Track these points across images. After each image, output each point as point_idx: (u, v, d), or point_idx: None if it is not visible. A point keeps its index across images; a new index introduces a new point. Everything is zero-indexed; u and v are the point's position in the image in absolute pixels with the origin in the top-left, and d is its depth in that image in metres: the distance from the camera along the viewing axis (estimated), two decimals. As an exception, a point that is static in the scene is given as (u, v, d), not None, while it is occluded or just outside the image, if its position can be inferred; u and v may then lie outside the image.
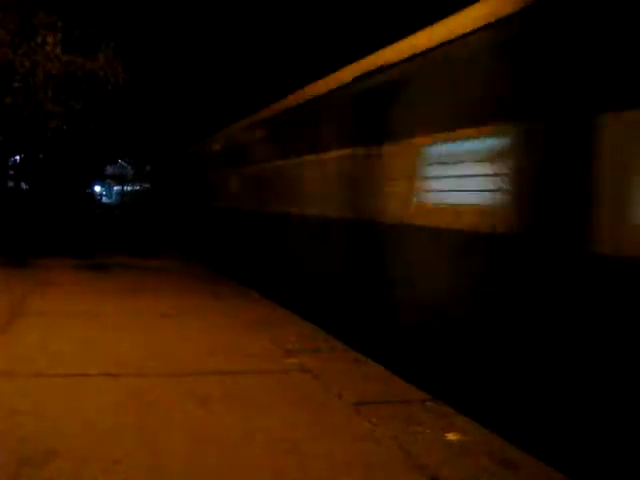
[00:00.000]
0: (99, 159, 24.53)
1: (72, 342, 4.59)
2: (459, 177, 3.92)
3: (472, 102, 3.86)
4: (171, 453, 2.69)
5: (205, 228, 13.09)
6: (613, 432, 2.80)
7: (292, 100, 7.82)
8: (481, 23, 3.80)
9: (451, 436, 3.00)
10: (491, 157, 3.61)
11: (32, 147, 15.72)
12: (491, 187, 3.59)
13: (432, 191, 4.26)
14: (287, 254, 7.48)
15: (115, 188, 55.99)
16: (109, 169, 40.14)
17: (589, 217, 2.92)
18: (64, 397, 3.37)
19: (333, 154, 6.11)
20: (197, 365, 4.14)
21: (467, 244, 3.81)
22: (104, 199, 56.56)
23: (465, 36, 3.96)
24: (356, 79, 5.63)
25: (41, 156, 18.30)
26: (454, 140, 4.00)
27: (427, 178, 4.33)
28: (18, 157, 18.94)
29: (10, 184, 19.58)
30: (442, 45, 4.23)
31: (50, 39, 8.79)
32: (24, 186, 20.74)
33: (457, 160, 3.95)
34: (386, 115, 4.99)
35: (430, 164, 4.31)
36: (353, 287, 5.52)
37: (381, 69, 5.12)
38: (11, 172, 19.39)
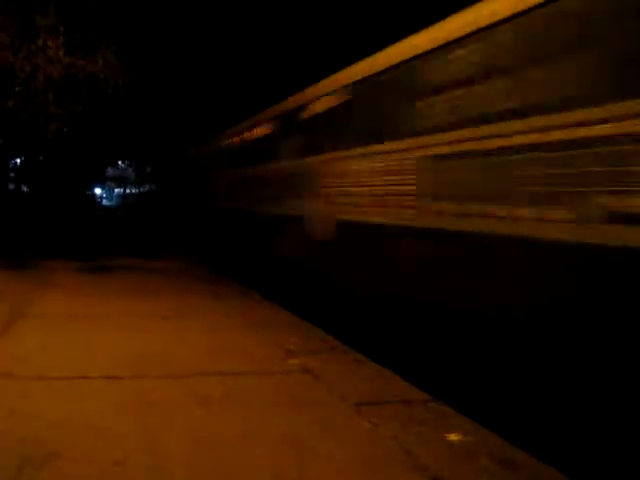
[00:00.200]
0: (99, 161, 24.55)
1: (73, 344, 4.59)
2: None
3: None
4: (172, 454, 2.70)
5: (205, 229, 13.10)
6: None
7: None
8: None
9: (452, 436, 3.00)
10: None
11: (33, 150, 15.73)
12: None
13: None
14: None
15: (116, 190, 56.05)
16: (109, 171, 40.19)
17: None
18: (65, 399, 3.37)
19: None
20: (198, 366, 4.14)
21: None
22: (104, 201, 56.61)
23: None
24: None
25: (41, 158, 18.31)
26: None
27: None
28: (19, 160, 18.96)
29: (11, 186, 19.60)
30: None
31: (50, 42, 8.80)
32: (25, 189, 20.76)
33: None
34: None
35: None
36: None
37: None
38: (12, 174, 19.41)
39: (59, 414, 3.12)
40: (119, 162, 33.46)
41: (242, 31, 14.94)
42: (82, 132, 11.94)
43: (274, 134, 8.56)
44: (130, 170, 39.92)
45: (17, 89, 8.95)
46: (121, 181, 47.63)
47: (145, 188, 31.05)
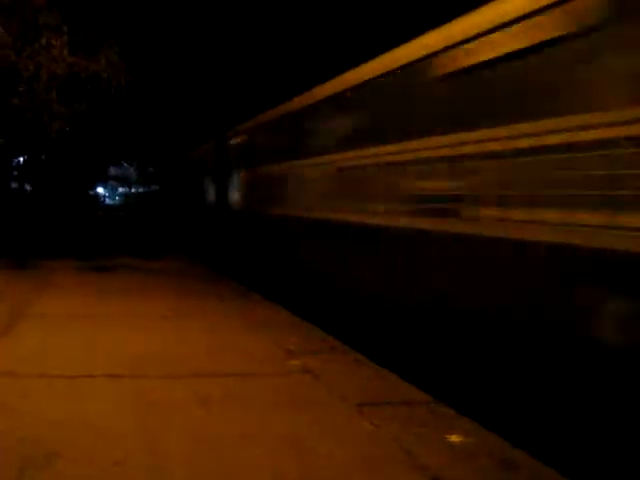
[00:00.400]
0: (102, 161, 24.59)
1: (74, 343, 4.60)
2: None
3: None
4: (172, 454, 2.69)
5: (206, 229, 13.10)
6: None
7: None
8: None
9: (453, 437, 2.99)
10: None
11: (36, 148, 15.76)
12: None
13: None
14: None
15: (120, 190, 56.10)
16: (112, 170, 40.23)
17: None
18: (66, 398, 3.37)
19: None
20: (198, 366, 4.14)
21: None
22: (107, 200, 56.68)
23: None
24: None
25: (44, 157, 18.34)
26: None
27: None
28: (21, 159, 18.99)
29: (14, 185, 19.63)
30: None
31: (54, 41, 8.81)
32: (28, 187, 20.80)
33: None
34: None
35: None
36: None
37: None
38: (15, 173, 19.44)
39: (60, 413, 3.13)
40: (122, 162, 33.49)
41: (245, 31, 14.95)
42: (85, 131, 11.94)
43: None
44: (132, 170, 39.97)
45: (21, 88, 8.96)
46: (123, 181, 47.68)
47: (147, 188, 31.10)
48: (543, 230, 3.32)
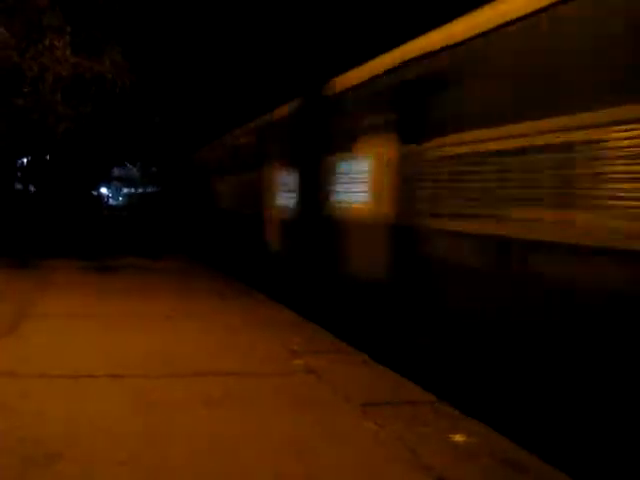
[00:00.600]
0: (106, 161, 24.65)
1: (77, 343, 4.60)
2: None
3: None
4: (176, 454, 2.68)
5: (210, 230, 13.10)
6: None
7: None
8: None
9: (457, 437, 2.98)
10: None
11: (40, 150, 15.79)
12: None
13: None
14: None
15: (125, 190, 56.25)
16: (115, 171, 40.33)
17: None
18: (69, 398, 3.37)
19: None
20: (202, 366, 4.13)
21: None
22: (110, 201, 56.84)
23: None
24: None
25: (48, 158, 18.38)
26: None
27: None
28: (25, 160, 19.05)
29: (18, 186, 19.69)
30: None
31: (57, 42, 8.82)
32: (32, 188, 20.85)
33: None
34: None
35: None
36: None
37: None
38: (19, 174, 19.50)
39: (63, 413, 3.12)
40: (125, 163, 33.56)
41: (248, 32, 14.96)
42: (89, 132, 11.95)
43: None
44: (135, 170, 40.05)
45: (25, 89, 8.97)
46: (127, 181, 47.78)
47: (150, 188, 31.15)
48: None
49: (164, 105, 17.01)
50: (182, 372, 3.96)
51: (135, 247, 13.07)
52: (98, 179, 30.46)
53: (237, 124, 11.20)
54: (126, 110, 13.19)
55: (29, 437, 2.77)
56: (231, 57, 15.27)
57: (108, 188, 56.16)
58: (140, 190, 39.16)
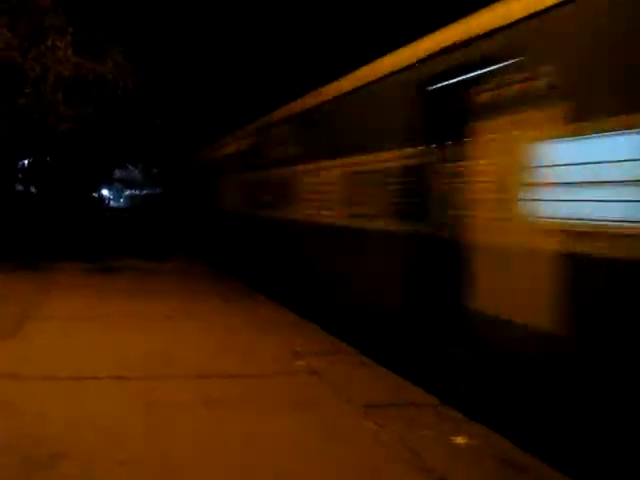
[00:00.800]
0: (107, 163, 24.65)
1: (81, 345, 4.60)
2: None
3: None
4: (178, 455, 2.69)
5: (213, 231, 13.11)
6: None
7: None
8: None
9: (458, 439, 2.98)
10: None
11: (41, 150, 15.80)
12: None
13: None
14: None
15: (126, 192, 56.22)
16: (117, 173, 40.33)
17: None
18: (73, 399, 3.37)
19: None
20: (205, 367, 4.14)
21: None
22: (112, 202, 56.83)
23: None
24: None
25: (49, 159, 18.39)
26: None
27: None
28: (26, 161, 19.06)
29: (19, 188, 19.70)
30: None
31: (59, 42, 8.83)
32: (33, 190, 20.86)
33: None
34: None
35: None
36: None
37: None
38: (20, 176, 19.51)
39: (66, 414, 3.12)
40: (127, 164, 33.56)
41: (250, 34, 14.98)
42: (91, 133, 11.96)
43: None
44: (136, 172, 40.05)
45: (27, 90, 8.99)
46: (128, 183, 47.77)
47: (151, 190, 31.19)
48: None
49: (166, 106, 17.01)
50: (184, 373, 3.96)
51: (137, 248, 13.08)
52: (99, 180, 30.45)
53: (238, 125, 11.22)
54: (128, 111, 13.20)
55: (34, 437, 2.78)
56: (232, 58, 15.28)
57: (109, 190, 56.16)
58: (143, 192, 39.21)
